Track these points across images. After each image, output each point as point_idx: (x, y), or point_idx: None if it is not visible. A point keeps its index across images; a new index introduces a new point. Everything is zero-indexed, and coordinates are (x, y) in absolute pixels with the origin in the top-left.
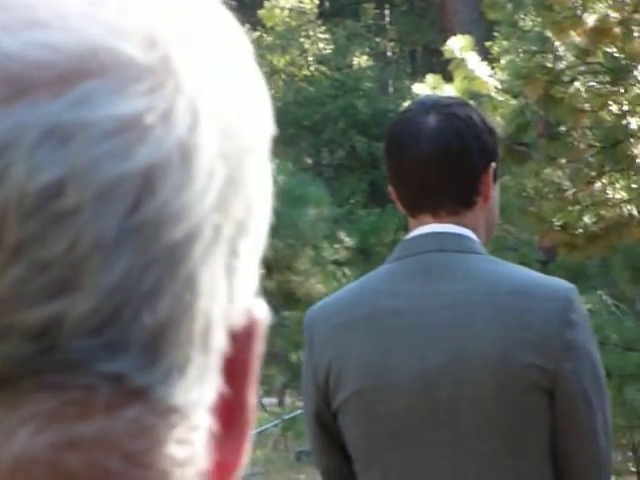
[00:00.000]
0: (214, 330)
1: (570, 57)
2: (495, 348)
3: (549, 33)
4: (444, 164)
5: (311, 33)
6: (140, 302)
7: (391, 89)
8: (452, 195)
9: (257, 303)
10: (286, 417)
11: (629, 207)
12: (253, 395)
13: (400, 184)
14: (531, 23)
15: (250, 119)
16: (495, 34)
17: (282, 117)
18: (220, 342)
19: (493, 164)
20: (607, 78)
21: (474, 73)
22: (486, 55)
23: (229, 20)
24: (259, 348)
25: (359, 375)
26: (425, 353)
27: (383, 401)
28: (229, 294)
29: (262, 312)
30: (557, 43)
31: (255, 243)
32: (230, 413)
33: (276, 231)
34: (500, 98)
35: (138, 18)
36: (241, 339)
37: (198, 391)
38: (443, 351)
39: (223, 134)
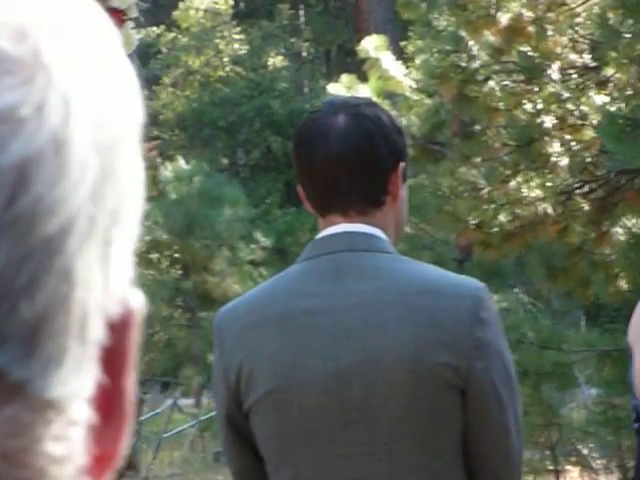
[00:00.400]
0: (91, 320)
1: (484, 56)
2: (407, 347)
3: (463, 32)
4: (353, 164)
5: (226, 34)
6: (17, 295)
7: (306, 89)
8: (361, 195)
9: (132, 292)
10: (203, 418)
11: (544, 205)
12: (131, 384)
13: (309, 184)
14: (445, 22)
15: (121, 111)
16: (410, 34)
17: (198, 118)
18: (97, 332)
19: (402, 164)
20: (521, 77)
21: (389, 73)
22: (401, 55)
23: (99, 14)
24: (136, 337)
25: (271, 375)
26: (337, 353)
27: (295, 401)
28: (105, 284)
29: (138, 301)
30: (471, 42)
31: (129, 232)
32: (109, 403)
33: (192, 232)
34: (415, 97)
35: (8, 12)
36: (118, 329)
37: (76, 382)
38: (355, 351)
39: (95, 126)
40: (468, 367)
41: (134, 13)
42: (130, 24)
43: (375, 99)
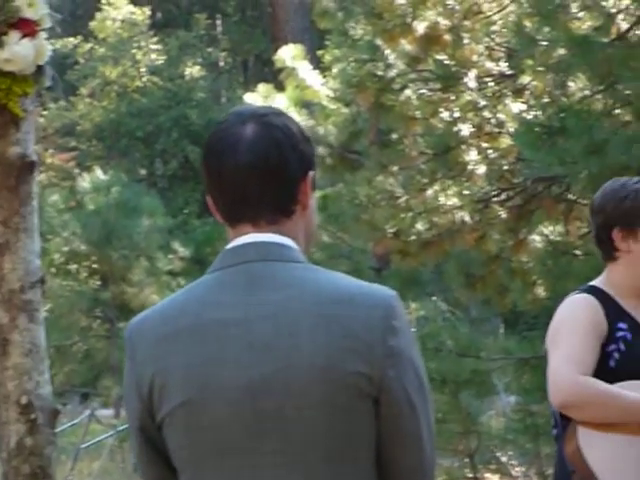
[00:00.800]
0: None
1: (401, 65)
2: (320, 357)
3: (379, 41)
4: (262, 174)
5: (143, 44)
6: None
7: (224, 99)
8: (271, 205)
9: None
10: (121, 428)
11: (461, 213)
12: None
13: (219, 194)
14: (362, 31)
15: None
16: (326, 43)
17: (115, 128)
18: None
19: (311, 173)
20: (438, 85)
21: (306, 82)
22: (318, 64)
23: None
24: None
25: (183, 387)
26: (250, 364)
27: (208, 413)
28: None
29: None
30: (387, 51)
31: None
32: None
33: (110, 242)
34: (332, 106)
35: None
36: None
37: None
38: (268, 361)
39: None
40: (381, 376)
41: (47, 24)
42: (44, 35)
43: (292, 108)
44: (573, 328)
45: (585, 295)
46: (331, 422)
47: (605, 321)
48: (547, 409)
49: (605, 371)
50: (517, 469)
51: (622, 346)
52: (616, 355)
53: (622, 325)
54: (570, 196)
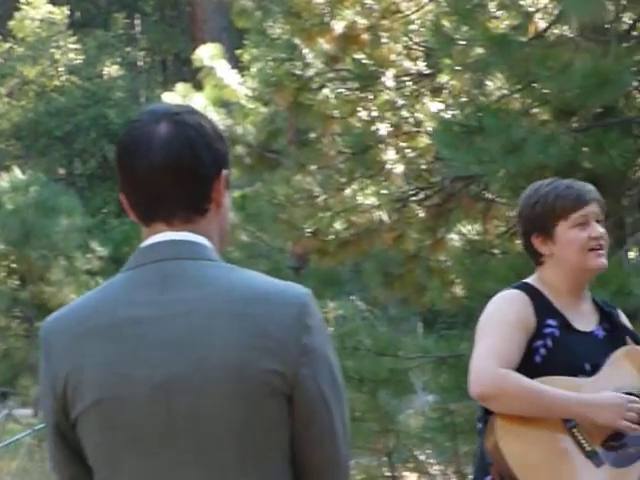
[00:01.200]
0: None
1: (319, 64)
2: (234, 356)
3: (298, 40)
4: (176, 172)
5: (62, 43)
6: None
7: (142, 98)
8: (185, 203)
9: None
10: (40, 427)
11: (379, 213)
12: None
13: (133, 193)
14: (280, 31)
15: None
16: (245, 42)
17: (34, 128)
18: None
19: (225, 171)
20: (356, 84)
21: (224, 81)
22: (236, 63)
23: None
24: None
25: (98, 385)
26: (164, 362)
27: (122, 411)
28: None
29: None
30: (306, 50)
31: None
32: None
33: (29, 242)
34: (250, 106)
35: None
36: None
37: None
38: (181, 360)
39: None
40: (295, 374)
41: None
42: None
43: (210, 108)
44: (499, 322)
45: (515, 291)
46: (245, 420)
47: (533, 317)
48: (465, 408)
49: (531, 366)
50: (435, 467)
51: (549, 342)
52: (542, 351)
53: (551, 322)
54: (488, 195)
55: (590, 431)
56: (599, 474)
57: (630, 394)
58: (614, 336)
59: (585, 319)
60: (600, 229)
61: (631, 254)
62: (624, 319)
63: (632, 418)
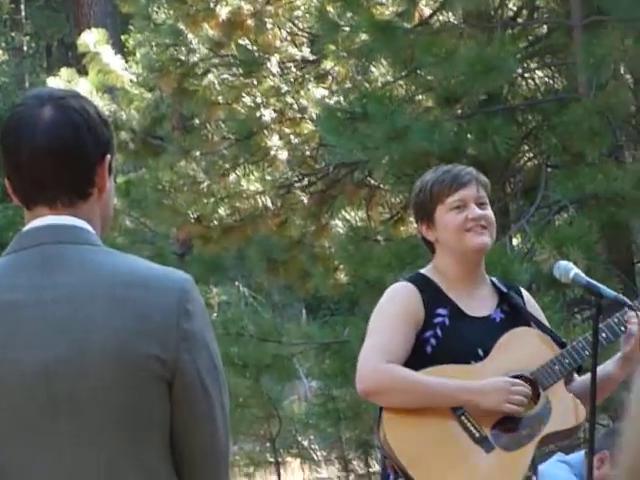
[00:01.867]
0: None
1: (203, 50)
2: (115, 340)
3: (182, 26)
4: (60, 156)
5: None
6: None
7: (27, 84)
8: (68, 187)
9: None
10: None
11: (263, 199)
12: None
13: (16, 177)
14: (164, 16)
15: None
16: (130, 27)
17: None
18: None
19: (108, 156)
20: (240, 70)
21: (109, 66)
22: (121, 48)
23: None
24: None
25: None
26: (44, 346)
27: (3, 394)
28: None
29: None
30: (190, 36)
31: None
32: None
33: None
34: (135, 91)
35: None
36: None
37: None
38: (62, 344)
39: None
40: (175, 359)
41: None
42: None
43: (95, 93)
44: (386, 316)
45: (404, 283)
46: (125, 405)
47: (422, 308)
48: (348, 394)
49: (422, 357)
50: (319, 453)
51: (439, 332)
52: (433, 341)
53: (441, 311)
54: (372, 182)
55: (479, 417)
56: (490, 459)
57: (520, 376)
58: (514, 319)
59: (481, 304)
60: (478, 211)
61: (515, 240)
62: (529, 301)
63: (517, 401)
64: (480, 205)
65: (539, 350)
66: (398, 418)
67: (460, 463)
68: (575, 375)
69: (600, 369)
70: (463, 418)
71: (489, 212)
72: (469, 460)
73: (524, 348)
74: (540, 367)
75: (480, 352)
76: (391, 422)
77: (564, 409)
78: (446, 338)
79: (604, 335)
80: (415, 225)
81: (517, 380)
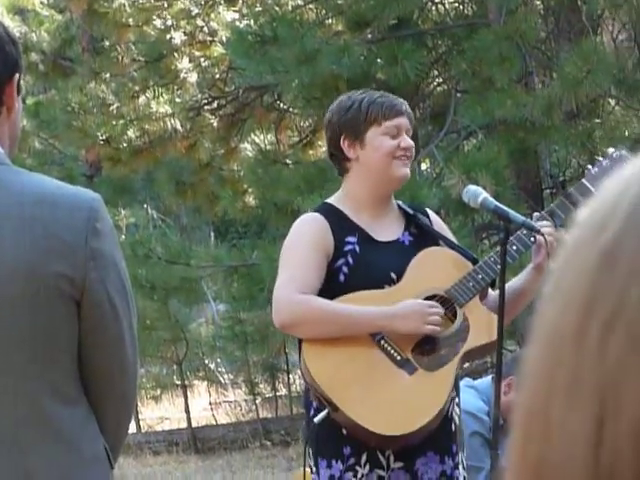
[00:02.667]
0: None
1: None
2: (22, 259)
3: None
4: None
5: None
6: None
7: None
8: None
9: None
10: None
11: (173, 121)
12: None
13: None
14: None
15: None
16: None
17: None
18: None
19: (17, 75)
20: None
21: None
22: None
23: None
24: None
25: None
26: None
27: None
28: None
29: None
30: None
31: None
32: None
33: None
34: (45, 13)
35: None
36: None
37: None
38: None
39: None
40: (83, 277)
41: None
42: None
43: (5, 14)
44: (296, 248)
45: (312, 214)
46: (33, 323)
47: (331, 238)
48: (256, 317)
49: (336, 286)
50: (225, 376)
51: (350, 260)
52: (345, 269)
53: (350, 239)
54: (281, 105)
55: (398, 340)
56: (413, 380)
57: (435, 296)
58: (422, 240)
59: (389, 229)
60: (410, 141)
61: (424, 165)
62: (436, 220)
63: (435, 321)
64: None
65: (452, 268)
66: (318, 347)
67: (384, 387)
68: (490, 290)
69: (511, 284)
70: (383, 342)
71: (413, 144)
72: (393, 384)
73: (437, 267)
74: (454, 285)
75: (393, 276)
76: (311, 352)
77: (481, 325)
78: (358, 265)
79: (515, 247)
80: (326, 140)
81: (431, 302)
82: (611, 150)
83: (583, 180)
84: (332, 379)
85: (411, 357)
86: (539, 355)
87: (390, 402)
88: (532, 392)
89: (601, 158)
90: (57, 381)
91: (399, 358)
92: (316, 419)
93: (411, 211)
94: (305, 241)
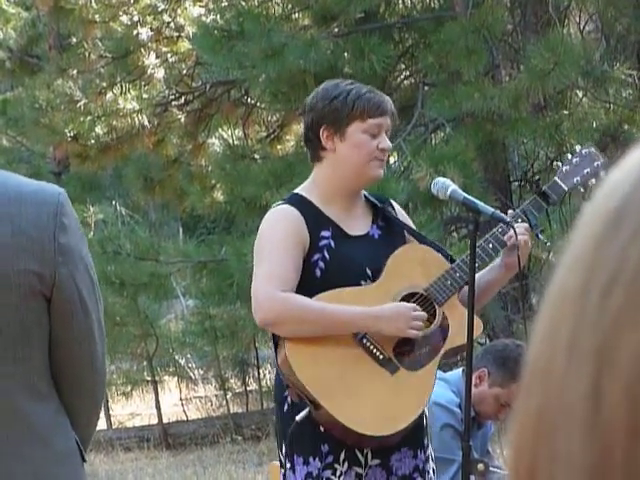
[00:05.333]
0: None
1: None
2: None
3: None
4: None
5: None
6: None
7: None
8: None
9: None
10: None
11: (140, 117)
12: None
13: None
14: None
15: None
16: None
17: None
18: None
19: None
20: None
21: None
22: None
23: None
24: None
25: None
26: None
27: None
28: None
29: None
30: None
31: None
32: None
33: None
34: (12, 10)
35: None
36: None
37: None
38: None
39: None
40: (52, 273)
41: None
42: None
43: None
44: (272, 243)
45: (284, 206)
46: (5, 320)
47: (307, 232)
48: (225, 312)
49: (313, 281)
50: (196, 372)
51: (326, 255)
52: (321, 264)
53: (325, 233)
54: (249, 100)
55: (381, 339)
56: (396, 380)
57: (414, 294)
58: (391, 232)
59: (359, 222)
60: (389, 143)
61: (391, 159)
62: (400, 212)
63: (417, 326)
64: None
65: (429, 265)
66: (301, 346)
67: (367, 386)
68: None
69: (480, 276)
70: (365, 341)
71: (391, 145)
72: (376, 383)
73: (415, 265)
74: (433, 283)
75: (368, 271)
76: (294, 350)
77: (461, 324)
78: (334, 260)
79: (491, 245)
80: (304, 125)
81: (415, 305)
82: (579, 147)
83: (555, 178)
84: (315, 377)
85: (393, 356)
86: (545, 314)
87: (373, 402)
88: (536, 349)
89: (570, 156)
90: (29, 377)
91: (382, 357)
92: (298, 417)
93: (379, 203)
94: (281, 236)
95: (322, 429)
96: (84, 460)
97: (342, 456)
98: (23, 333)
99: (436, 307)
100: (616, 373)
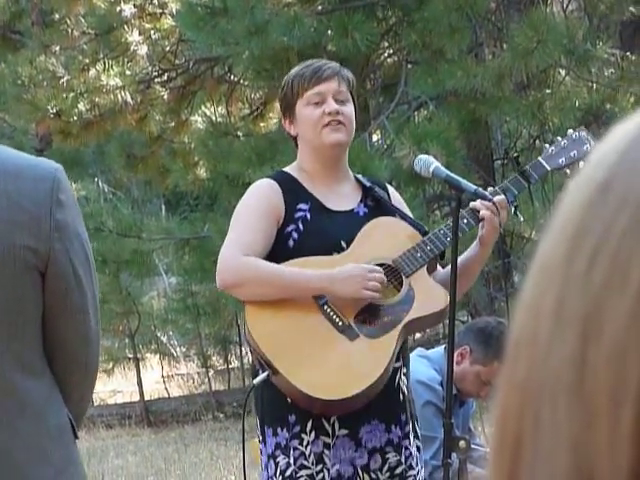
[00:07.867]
0: None
1: None
2: None
3: None
4: None
5: None
6: None
7: None
8: None
9: None
10: None
11: (123, 94)
12: None
13: None
14: None
15: None
16: None
17: None
18: None
19: None
20: None
21: None
22: None
23: None
24: None
25: None
26: None
27: None
28: None
29: None
30: None
31: None
32: None
33: None
34: None
35: None
36: None
37: None
38: None
39: None
40: (48, 249)
41: None
42: None
43: None
44: (246, 212)
45: (266, 179)
46: (1, 298)
47: (282, 203)
48: (208, 290)
49: (285, 251)
50: (178, 349)
51: (301, 226)
52: (295, 235)
53: (302, 206)
54: (232, 77)
55: (342, 306)
56: (354, 346)
57: (382, 264)
58: (378, 212)
59: (344, 199)
60: (335, 105)
61: (375, 137)
62: (394, 195)
63: (374, 287)
64: (339, 101)
65: (401, 238)
66: (260, 311)
67: (324, 352)
68: (439, 268)
69: (460, 259)
70: (326, 307)
71: (347, 108)
72: (333, 349)
73: (386, 237)
74: (402, 254)
75: (343, 244)
76: (254, 315)
77: (427, 295)
78: (308, 232)
79: (465, 221)
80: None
81: (373, 266)
82: (570, 131)
83: (539, 158)
84: (273, 341)
85: (353, 323)
86: (530, 283)
87: (329, 367)
88: (521, 317)
89: (559, 138)
90: (23, 353)
91: (341, 323)
92: (255, 381)
93: (368, 184)
94: (255, 205)
95: (289, 400)
96: (76, 437)
97: (309, 426)
98: (17, 308)
99: (403, 278)
100: (601, 340)
